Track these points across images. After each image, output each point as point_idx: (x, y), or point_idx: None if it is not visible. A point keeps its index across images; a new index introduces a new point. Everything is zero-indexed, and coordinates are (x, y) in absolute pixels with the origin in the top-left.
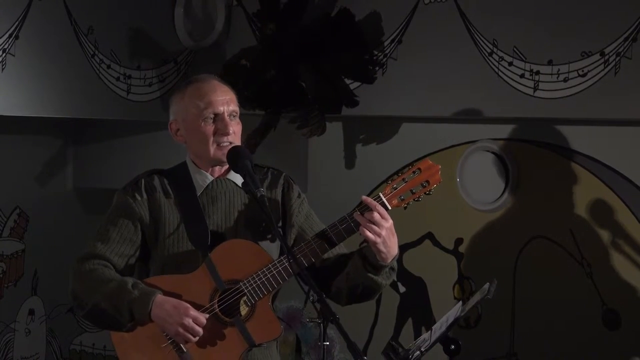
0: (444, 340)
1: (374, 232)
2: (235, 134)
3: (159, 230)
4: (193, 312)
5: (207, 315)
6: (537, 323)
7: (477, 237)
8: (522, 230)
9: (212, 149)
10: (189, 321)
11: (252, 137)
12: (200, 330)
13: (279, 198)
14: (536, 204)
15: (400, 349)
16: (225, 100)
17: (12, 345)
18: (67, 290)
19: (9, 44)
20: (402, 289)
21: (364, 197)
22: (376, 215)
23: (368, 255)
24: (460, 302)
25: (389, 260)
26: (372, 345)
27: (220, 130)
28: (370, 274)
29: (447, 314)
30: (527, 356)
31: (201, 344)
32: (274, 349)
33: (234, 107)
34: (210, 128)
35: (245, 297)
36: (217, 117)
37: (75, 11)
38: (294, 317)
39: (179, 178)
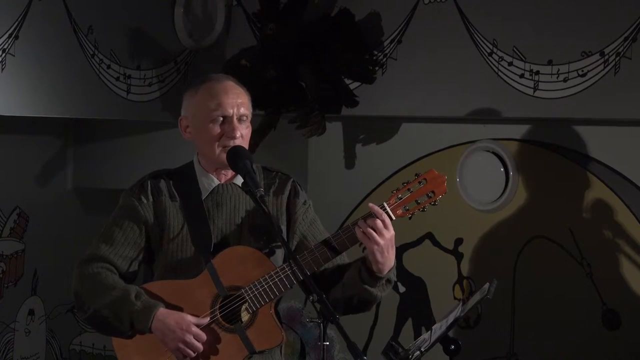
0: (444, 340)
1: (373, 239)
2: (242, 138)
3: (164, 233)
4: (195, 328)
5: (207, 320)
6: (537, 323)
7: (477, 237)
8: (522, 230)
9: (218, 151)
10: (190, 338)
11: (251, 137)
12: (200, 346)
13: (284, 204)
14: (536, 204)
15: (400, 349)
16: (235, 103)
17: (12, 345)
18: (69, 290)
19: (8, 44)
20: (402, 289)
21: (370, 204)
22: (379, 222)
23: (366, 265)
24: (460, 302)
25: (385, 272)
26: (372, 345)
27: (228, 133)
28: (365, 285)
29: (447, 314)
30: (527, 356)
31: (202, 350)
32: (277, 353)
33: (244, 110)
34: (217, 130)
35: (246, 304)
36: (226, 120)
37: (75, 11)
38: (294, 317)
39: (185, 180)
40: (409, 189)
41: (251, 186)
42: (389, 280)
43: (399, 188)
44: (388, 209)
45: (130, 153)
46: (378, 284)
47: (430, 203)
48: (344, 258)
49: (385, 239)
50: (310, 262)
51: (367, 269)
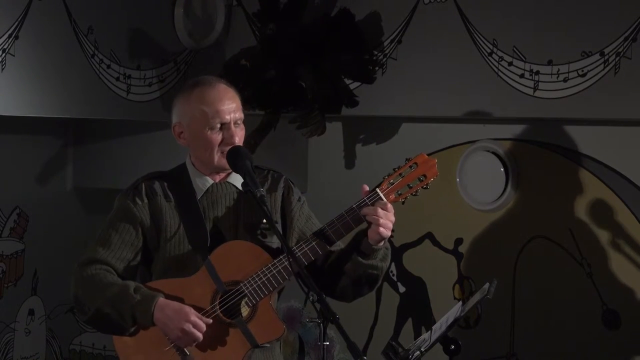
0: (444, 340)
1: (387, 227)
2: (239, 141)
3: (160, 234)
4: (193, 317)
5: (210, 321)
6: (537, 323)
7: (477, 237)
8: (522, 230)
9: (217, 157)
10: (189, 326)
11: (251, 137)
12: (200, 335)
13: (279, 202)
14: (536, 204)
15: (400, 349)
16: (231, 109)
17: (12, 345)
18: (69, 295)
19: (8, 44)
20: (402, 289)
21: (364, 185)
22: (381, 211)
23: (364, 245)
24: (460, 302)
25: (382, 244)
26: (372, 345)
27: (226, 139)
28: (369, 261)
29: (447, 314)
30: (527, 356)
31: (204, 346)
32: (277, 349)
33: (239, 114)
34: (216, 137)
35: (246, 298)
36: (224, 127)
37: (75, 11)
38: (294, 317)
39: (179, 181)
40: (400, 174)
41: (251, 186)
42: (387, 248)
43: (390, 174)
44: (381, 195)
45: (130, 153)
46: (378, 255)
47: (422, 187)
48: (340, 245)
49: (392, 219)
50: (308, 252)
51: (363, 247)
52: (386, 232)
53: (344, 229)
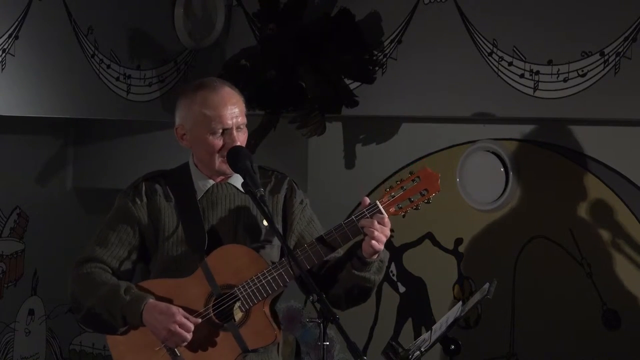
0: (444, 340)
1: (380, 241)
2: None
3: (158, 233)
4: (179, 317)
5: (199, 320)
6: (537, 323)
7: (477, 237)
8: (522, 230)
9: (218, 161)
10: (175, 327)
11: (251, 137)
12: (187, 335)
13: (281, 204)
14: (536, 204)
15: (400, 349)
16: (234, 114)
17: (12, 345)
18: (67, 293)
19: (8, 44)
20: (402, 289)
21: (365, 198)
22: (377, 224)
23: (357, 256)
24: (460, 302)
25: (376, 256)
26: (372, 345)
27: (228, 144)
28: (362, 273)
29: (447, 314)
30: (527, 356)
31: (195, 348)
32: (274, 352)
33: (242, 119)
34: (218, 142)
35: (239, 302)
36: (226, 132)
37: (75, 11)
38: (294, 317)
39: (180, 181)
40: (402, 187)
41: (251, 186)
42: (381, 261)
43: (392, 186)
44: (380, 207)
45: (130, 153)
46: (372, 268)
47: (423, 201)
48: (340, 252)
49: (387, 234)
50: (303, 261)
51: (358, 259)
52: (379, 246)
53: (341, 239)
